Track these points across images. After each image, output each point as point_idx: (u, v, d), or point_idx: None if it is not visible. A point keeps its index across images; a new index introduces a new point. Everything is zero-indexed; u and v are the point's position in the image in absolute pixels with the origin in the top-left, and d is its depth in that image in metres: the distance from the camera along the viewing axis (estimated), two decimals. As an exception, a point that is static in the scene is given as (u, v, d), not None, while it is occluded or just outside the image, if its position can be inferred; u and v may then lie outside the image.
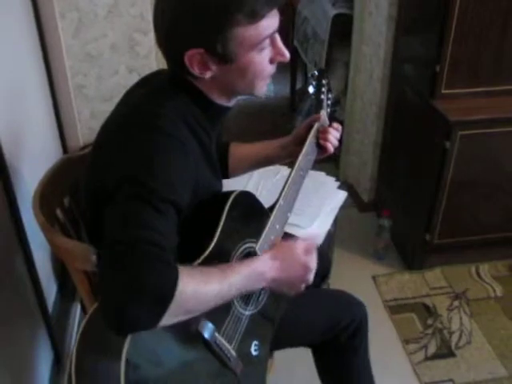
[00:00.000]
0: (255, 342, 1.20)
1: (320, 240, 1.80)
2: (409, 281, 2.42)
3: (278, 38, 1.10)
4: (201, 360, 1.05)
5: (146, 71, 1.25)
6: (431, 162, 2.23)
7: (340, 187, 2.06)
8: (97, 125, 1.15)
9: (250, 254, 1.18)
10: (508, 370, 2.01)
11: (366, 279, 2.43)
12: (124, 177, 0.97)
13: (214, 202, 1.15)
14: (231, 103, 1.19)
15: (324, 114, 1.43)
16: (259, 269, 1.08)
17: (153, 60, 2.17)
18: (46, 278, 1.76)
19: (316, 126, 1.39)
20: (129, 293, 0.85)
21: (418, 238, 2.40)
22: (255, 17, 1.01)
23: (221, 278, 0.98)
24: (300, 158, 1.31)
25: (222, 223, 1.10)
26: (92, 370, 0.98)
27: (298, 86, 3.92)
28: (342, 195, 2.00)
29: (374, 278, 2.44)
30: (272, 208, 1.22)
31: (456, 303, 2.30)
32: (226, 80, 1.09)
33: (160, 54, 1.15)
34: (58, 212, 1.36)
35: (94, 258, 1.11)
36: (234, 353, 1.11)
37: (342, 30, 2.89)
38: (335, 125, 1.42)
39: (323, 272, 1.71)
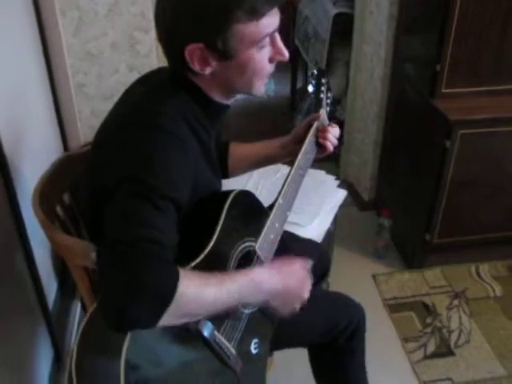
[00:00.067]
0: (255, 341, 1.20)
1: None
2: (409, 280, 2.42)
3: (278, 37, 1.10)
4: (200, 359, 1.05)
5: (147, 70, 1.25)
6: (431, 162, 2.23)
7: (340, 186, 2.07)
8: (97, 123, 1.15)
9: (250, 253, 1.19)
10: (507, 369, 2.01)
11: (365, 278, 2.43)
12: (124, 175, 0.97)
13: (214, 200, 1.15)
14: (230, 101, 1.19)
15: (323, 112, 1.44)
16: (257, 278, 1.05)
17: (153, 58, 2.18)
18: (47, 276, 1.77)
19: (315, 124, 1.39)
20: (129, 292, 0.85)
21: (418, 238, 2.40)
22: (255, 14, 1.01)
23: (219, 284, 0.97)
24: (299, 156, 1.32)
25: (221, 222, 1.11)
26: (92, 369, 0.98)
27: (299, 85, 3.92)
28: (342, 194, 2.01)
29: (373, 276, 2.44)
30: (271, 207, 1.22)
31: (455, 302, 2.30)
32: (226, 77, 1.09)
33: (161, 53, 1.15)
34: (58, 209, 1.36)
35: (93, 254, 1.11)
36: (233, 351, 1.11)
37: (343, 29, 2.89)
38: (334, 124, 1.42)
39: (322, 270, 1.71)
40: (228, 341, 1.10)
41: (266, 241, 1.18)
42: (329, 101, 1.50)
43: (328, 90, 1.50)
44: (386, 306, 2.28)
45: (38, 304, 1.63)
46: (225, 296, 0.97)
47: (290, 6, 3.57)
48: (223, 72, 1.08)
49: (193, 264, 1.03)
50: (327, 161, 2.99)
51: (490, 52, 2.07)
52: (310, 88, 1.47)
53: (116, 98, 1.18)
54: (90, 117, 2.23)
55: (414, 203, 2.44)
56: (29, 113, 1.77)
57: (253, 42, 1.04)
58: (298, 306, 1.16)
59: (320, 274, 1.70)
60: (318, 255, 1.73)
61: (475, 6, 1.96)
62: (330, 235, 1.93)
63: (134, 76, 1.24)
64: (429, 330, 2.18)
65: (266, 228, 1.18)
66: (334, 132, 1.40)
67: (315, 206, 1.91)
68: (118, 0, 2.03)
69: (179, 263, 0.96)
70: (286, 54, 1.12)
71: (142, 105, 1.07)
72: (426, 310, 2.27)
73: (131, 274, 0.86)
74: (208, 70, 1.07)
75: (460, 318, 2.23)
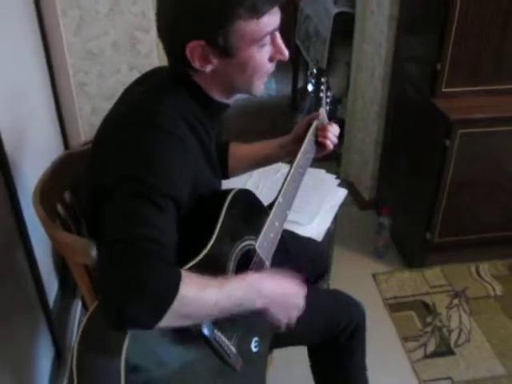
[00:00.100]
0: (255, 339, 1.20)
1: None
2: (409, 279, 2.42)
3: (278, 36, 1.11)
4: (201, 357, 1.05)
5: (147, 69, 1.26)
6: (431, 161, 2.23)
7: (340, 185, 2.07)
8: (98, 122, 1.16)
9: (250, 252, 1.19)
10: (507, 368, 2.02)
11: (366, 277, 2.44)
12: (123, 174, 0.97)
13: (213, 199, 1.15)
14: (230, 100, 1.19)
15: (323, 111, 1.44)
16: (256, 282, 1.05)
17: (154, 58, 2.18)
18: (47, 274, 1.77)
19: (315, 123, 1.39)
20: (128, 291, 0.85)
21: (418, 237, 2.41)
22: (256, 12, 1.01)
23: (219, 287, 0.97)
24: (299, 155, 1.32)
25: (220, 221, 1.11)
26: (92, 368, 0.99)
27: (300, 84, 3.92)
28: (342, 193, 2.01)
29: (374, 276, 2.44)
30: (271, 206, 1.22)
31: (455, 301, 2.30)
32: (226, 75, 1.09)
33: (161, 53, 1.15)
34: (59, 207, 1.36)
35: (94, 252, 1.11)
36: (233, 349, 1.11)
37: (344, 28, 2.89)
38: (334, 123, 1.43)
39: (322, 269, 1.72)
40: (228, 339, 1.10)
41: (265, 239, 1.19)
42: (328, 100, 1.51)
43: (327, 88, 1.51)
44: (386, 306, 2.29)
45: (38, 302, 1.64)
46: (225, 299, 0.97)
47: (290, 5, 3.57)
48: (224, 70, 1.08)
49: (193, 263, 1.03)
50: (328, 160, 3.01)
51: (490, 52, 2.07)
52: (310, 87, 1.47)
53: (117, 98, 1.19)
54: (90, 115, 2.23)
55: (415, 202, 2.44)
56: (30, 111, 1.78)
57: (253, 40, 1.05)
58: (295, 315, 1.15)
59: (320, 272, 1.71)
60: (318, 254, 1.74)
61: (475, 6, 1.96)
62: (330, 234, 1.93)
63: (135, 75, 1.24)
64: (429, 329, 2.18)
65: (265, 227, 1.19)
66: (333, 130, 1.40)
67: (315, 204, 1.91)
68: (119, -1, 2.04)
69: (179, 262, 0.97)
70: (286, 53, 1.12)
71: (141, 104, 1.07)
72: (426, 309, 2.27)
73: (130, 272, 0.86)
74: (209, 68, 1.07)
75: (460, 317, 2.23)
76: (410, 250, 2.51)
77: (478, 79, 2.13)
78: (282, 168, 2.00)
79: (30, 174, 1.53)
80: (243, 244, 1.18)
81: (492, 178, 2.28)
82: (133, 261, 0.86)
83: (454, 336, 2.14)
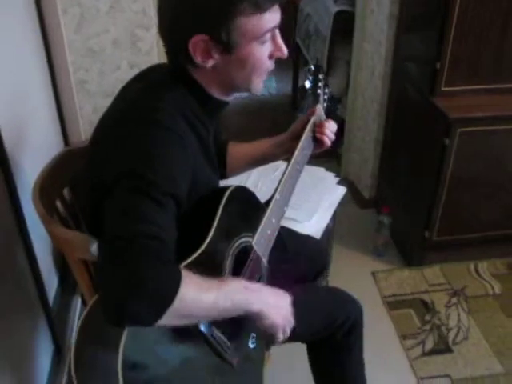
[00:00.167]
0: (252, 335, 1.21)
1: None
2: (408, 277, 2.43)
3: (278, 34, 1.12)
4: (199, 354, 1.05)
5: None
6: (431, 159, 2.24)
7: (339, 183, 2.08)
8: (98, 119, 1.16)
9: (247, 249, 1.20)
10: (504, 366, 2.02)
11: (365, 275, 2.44)
12: (122, 171, 0.97)
13: (210, 196, 1.15)
14: (229, 98, 1.19)
15: (320, 108, 1.44)
16: (253, 287, 1.07)
17: (154, 56, 2.18)
18: (47, 271, 1.78)
19: (312, 120, 1.40)
20: (128, 288, 0.85)
21: (418, 235, 2.41)
22: (258, 9, 1.02)
23: (218, 288, 0.98)
24: (296, 152, 1.32)
25: (217, 218, 1.11)
26: (91, 362, 0.99)
27: (301, 83, 3.92)
28: (341, 191, 2.01)
29: (373, 274, 2.45)
30: (268, 202, 1.23)
31: (454, 300, 2.31)
32: (226, 72, 1.10)
33: (162, 50, 1.15)
34: (58, 204, 1.37)
35: (93, 248, 1.11)
36: (230, 345, 1.11)
37: (344, 27, 2.89)
38: (331, 119, 1.43)
39: (321, 267, 1.72)
40: (225, 335, 1.11)
41: (262, 236, 1.19)
42: (326, 96, 1.51)
43: (325, 85, 1.51)
44: (385, 303, 2.29)
45: (38, 299, 1.64)
46: (223, 299, 0.97)
47: (291, 4, 3.58)
48: (224, 66, 1.09)
49: (189, 260, 1.03)
50: (329, 159, 3.03)
51: (489, 52, 2.07)
52: (308, 84, 1.48)
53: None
54: (91, 113, 2.24)
55: (414, 201, 2.45)
56: (30, 109, 1.78)
57: (255, 37, 1.06)
58: (289, 325, 1.16)
59: (319, 270, 1.71)
60: (317, 252, 1.75)
61: (475, 5, 1.96)
62: (328, 232, 1.94)
63: (135, 73, 1.25)
64: (427, 327, 2.18)
65: (262, 223, 1.19)
66: (330, 127, 1.41)
67: (314, 202, 1.91)
68: (120, -3, 2.05)
69: (176, 259, 0.97)
70: (285, 50, 1.13)
71: (139, 101, 1.07)
72: (425, 308, 2.27)
73: (130, 269, 0.86)
74: (210, 63, 1.07)
75: (459, 315, 2.24)
76: (410, 249, 2.52)
77: (477, 78, 2.13)
78: (280, 166, 2.01)
79: (29, 171, 1.54)
80: (240, 241, 1.18)
81: (492, 177, 2.28)
82: (133, 257, 0.87)
83: (452, 334, 2.15)
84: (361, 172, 2.95)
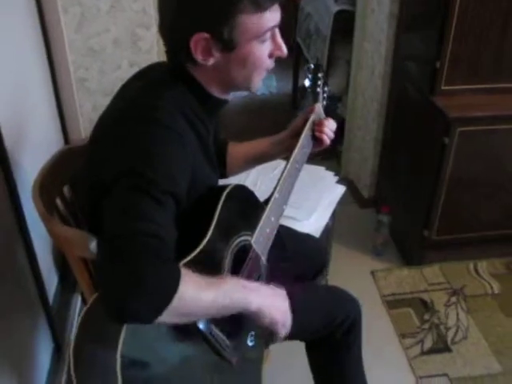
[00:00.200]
0: (251, 333, 1.21)
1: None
2: (407, 276, 2.43)
3: (278, 33, 1.12)
4: (198, 353, 1.06)
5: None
6: (431, 159, 2.24)
7: (339, 182, 2.08)
8: (98, 118, 1.17)
9: (245, 247, 1.20)
10: (503, 366, 2.02)
11: (364, 274, 2.45)
12: (122, 169, 0.97)
13: (209, 195, 1.15)
14: (228, 97, 1.20)
15: (319, 106, 1.45)
16: (251, 286, 1.07)
17: (155, 55, 2.19)
18: (47, 270, 1.78)
19: (311, 118, 1.40)
20: (128, 286, 0.85)
21: (417, 234, 2.41)
22: (259, 7, 1.03)
23: (217, 286, 0.98)
24: (296, 150, 1.33)
25: (216, 216, 1.11)
26: (89, 359, 1.00)
27: (301, 82, 3.92)
28: (341, 189, 2.02)
29: (372, 273, 2.45)
30: (267, 201, 1.23)
31: (453, 299, 2.31)
32: (226, 70, 1.10)
33: (162, 49, 1.15)
34: (58, 201, 1.37)
35: (93, 245, 1.11)
36: (229, 343, 1.12)
37: (344, 26, 2.90)
38: (330, 118, 1.44)
39: (320, 265, 1.72)
40: (223, 333, 1.11)
41: (261, 235, 1.20)
42: (325, 95, 1.51)
43: (325, 84, 1.51)
44: (385, 302, 2.30)
45: (38, 297, 1.65)
46: (222, 297, 0.98)
47: (291, 4, 3.58)
48: (224, 65, 1.09)
49: (188, 258, 1.04)
50: (329, 158, 3.03)
51: (489, 52, 2.07)
52: (307, 82, 1.48)
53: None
54: (91, 111, 2.24)
55: (414, 200, 2.45)
56: (30, 107, 1.79)
57: (255, 35, 1.06)
58: (288, 321, 1.16)
59: (318, 268, 1.71)
60: (316, 250, 1.75)
61: (475, 5, 1.96)
62: (327, 230, 1.94)
63: (135, 71, 1.25)
64: (426, 326, 2.19)
65: (261, 222, 1.20)
66: (330, 125, 1.41)
67: (313, 201, 1.92)
68: (120, -4, 2.05)
69: (175, 257, 0.97)
70: (285, 49, 1.14)
71: (139, 99, 1.07)
72: (424, 307, 2.28)
73: (130, 268, 0.86)
74: (210, 61, 1.08)
75: (458, 314, 2.24)
76: (409, 248, 2.52)
77: (477, 78, 2.14)
78: (279, 165, 2.01)
79: (29, 169, 1.54)
80: (239, 239, 1.18)
81: (491, 177, 2.28)
82: (132, 256, 0.87)
83: (451, 333, 2.15)
84: (360, 171, 2.96)
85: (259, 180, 1.98)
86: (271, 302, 1.10)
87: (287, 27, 3.33)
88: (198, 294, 0.94)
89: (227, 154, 1.49)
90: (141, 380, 0.95)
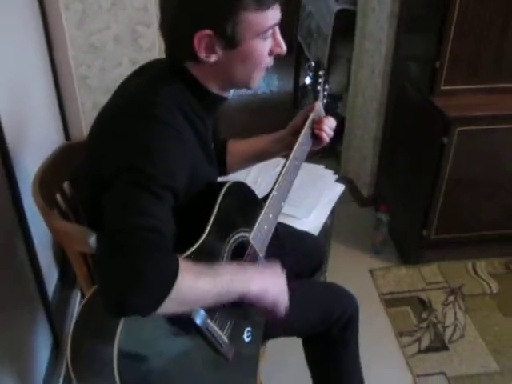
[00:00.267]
0: (248, 329, 1.22)
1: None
2: (405, 275, 2.44)
3: (278, 31, 1.13)
4: (194, 348, 1.06)
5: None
6: (430, 158, 2.25)
7: (338, 180, 2.09)
8: (99, 115, 1.17)
9: (244, 243, 1.21)
10: (500, 365, 2.03)
11: (363, 272, 2.45)
12: (122, 165, 0.98)
13: (208, 191, 1.16)
14: (226, 94, 1.20)
15: (320, 104, 1.45)
16: (247, 267, 1.09)
17: (156, 53, 2.19)
18: (47, 266, 1.79)
19: (311, 116, 1.41)
20: (128, 281, 0.86)
21: (416, 233, 2.42)
22: (261, 5, 1.04)
23: (214, 274, 0.99)
24: (295, 147, 1.34)
25: (214, 212, 1.12)
26: (87, 353, 1.01)
27: (302, 81, 3.93)
28: (340, 188, 2.03)
29: (371, 271, 2.46)
30: (265, 198, 1.24)
31: (451, 298, 2.32)
32: (227, 67, 1.11)
33: (163, 47, 1.16)
34: (58, 197, 1.38)
35: (92, 240, 1.12)
36: (226, 339, 1.12)
37: (345, 25, 2.90)
38: (330, 116, 1.44)
39: (318, 263, 1.73)
40: (221, 329, 1.11)
41: (259, 231, 1.21)
42: (326, 93, 1.52)
43: (325, 81, 1.52)
44: (383, 301, 2.30)
45: (37, 293, 1.65)
46: (219, 284, 0.99)
47: (293, 2, 3.58)
48: (226, 62, 1.10)
49: (186, 253, 1.04)
50: (328, 157, 3.03)
51: (489, 52, 2.08)
52: (308, 80, 1.48)
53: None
54: (91, 109, 2.25)
55: (413, 199, 2.46)
56: (32, 104, 1.79)
57: (258, 32, 1.07)
58: (285, 302, 1.17)
59: (316, 266, 1.72)
60: (315, 248, 1.76)
61: (475, 5, 1.97)
62: (326, 228, 1.95)
63: (135, 68, 1.26)
64: (424, 324, 2.20)
65: (260, 218, 1.20)
66: (329, 123, 1.42)
67: (312, 199, 1.93)
68: (121, -6, 2.06)
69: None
70: (285, 47, 1.15)
71: (137, 96, 1.08)
72: (422, 306, 2.29)
73: (130, 263, 0.87)
74: (213, 58, 1.08)
75: (455, 313, 2.25)
76: (407, 247, 2.53)
77: (477, 78, 2.14)
78: (280, 163, 2.01)
79: (31, 166, 1.54)
80: (237, 235, 1.19)
81: (490, 177, 2.29)
82: (132, 250, 0.88)
83: (448, 332, 2.16)
84: (360, 170, 2.96)
85: (260, 177, 1.99)
86: (271, 283, 1.12)
87: (289, 26, 3.34)
88: (196, 283, 0.95)
89: (227, 152, 1.50)
90: (138, 374, 0.96)
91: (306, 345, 1.55)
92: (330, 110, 1.53)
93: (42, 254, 1.68)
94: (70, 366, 1.01)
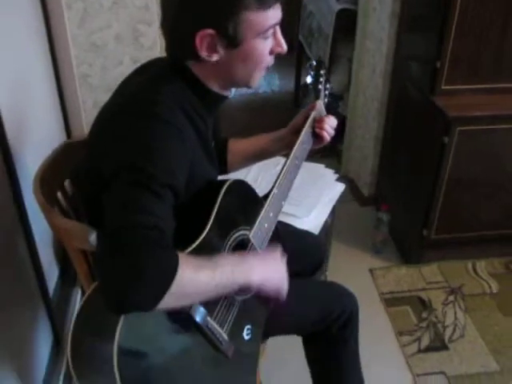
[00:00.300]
0: (247, 327, 1.22)
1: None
2: (405, 275, 2.44)
3: (279, 30, 1.14)
4: (194, 345, 1.07)
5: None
6: (430, 158, 2.25)
7: (338, 179, 2.09)
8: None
9: (244, 241, 1.21)
10: (500, 364, 2.03)
11: (363, 272, 2.46)
12: (122, 164, 0.99)
13: (209, 189, 1.17)
14: (227, 93, 1.21)
15: (321, 103, 1.46)
16: (247, 258, 1.10)
17: (157, 51, 2.20)
18: (48, 263, 1.79)
19: (312, 115, 1.41)
20: (129, 280, 0.87)
21: (416, 233, 2.42)
22: (263, 4, 1.05)
23: (213, 266, 1.00)
24: (296, 146, 1.34)
25: (215, 210, 1.13)
26: (87, 349, 1.01)
27: (303, 81, 3.93)
28: (340, 187, 2.03)
29: (371, 271, 2.46)
30: (266, 197, 1.25)
31: (451, 298, 2.32)
32: (228, 66, 1.11)
33: (164, 46, 1.17)
34: (59, 195, 1.39)
35: (92, 237, 1.13)
36: (225, 336, 1.13)
37: (346, 25, 2.90)
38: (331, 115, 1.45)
39: (318, 261, 1.74)
40: (220, 326, 1.12)
41: (260, 229, 1.21)
42: (327, 92, 1.52)
43: (327, 81, 1.52)
44: (383, 300, 2.31)
45: (38, 290, 1.66)
46: (218, 277, 0.99)
47: (294, 2, 3.59)
48: (227, 61, 1.10)
49: (187, 251, 1.05)
50: (329, 157, 3.03)
51: (490, 52, 2.08)
52: (309, 79, 1.49)
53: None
54: (93, 108, 2.25)
55: (413, 199, 2.46)
56: (33, 102, 1.80)
57: (259, 32, 1.08)
58: (285, 286, 1.18)
59: (316, 265, 1.73)
60: (315, 246, 1.76)
61: (475, 5, 1.97)
62: (327, 227, 1.95)
63: (136, 67, 1.26)
64: (424, 324, 2.20)
65: (260, 217, 1.21)
66: (330, 122, 1.42)
67: (313, 198, 1.93)
68: (123, -8, 2.06)
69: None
70: (285, 46, 1.15)
71: (138, 94, 1.08)
72: (422, 305, 2.29)
73: (131, 262, 0.87)
74: (214, 58, 1.09)
75: (455, 313, 2.25)
76: (408, 246, 2.53)
77: (477, 77, 2.14)
78: (281, 162, 2.01)
79: (32, 164, 1.55)
80: (238, 233, 1.20)
81: (490, 177, 2.29)
82: (133, 249, 0.88)
83: (448, 332, 2.16)
84: (360, 169, 2.97)
85: (260, 176, 1.99)
86: (272, 271, 1.13)
87: (290, 25, 3.34)
88: (196, 277, 0.96)
89: (228, 151, 1.50)
90: (138, 371, 0.96)
91: (305, 343, 1.55)
92: (331, 110, 1.53)
93: (43, 251, 1.68)
94: (70, 363, 1.01)
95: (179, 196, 1.02)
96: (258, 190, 1.30)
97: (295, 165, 1.34)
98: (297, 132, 1.40)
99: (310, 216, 1.86)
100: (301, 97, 3.87)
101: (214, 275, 0.99)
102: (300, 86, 3.90)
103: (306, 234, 1.75)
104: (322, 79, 1.51)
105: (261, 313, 1.28)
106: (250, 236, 1.19)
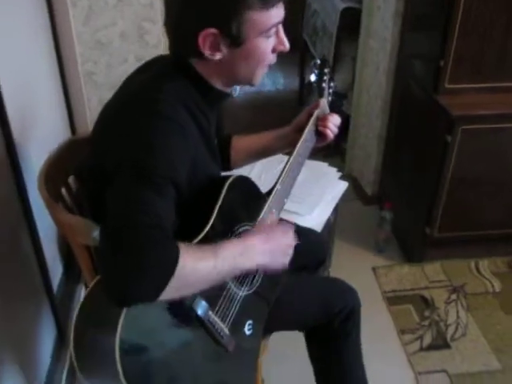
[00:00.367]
0: (249, 322, 1.23)
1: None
2: (408, 273, 2.45)
3: (281, 29, 1.15)
4: (195, 339, 1.08)
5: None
6: (433, 156, 2.25)
7: (342, 178, 2.10)
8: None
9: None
10: (502, 363, 2.03)
11: (366, 270, 2.46)
12: (124, 161, 1.00)
13: (212, 185, 1.17)
14: (230, 90, 1.22)
15: (324, 101, 1.46)
16: (248, 241, 1.10)
17: (162, 49, 2.20)
18: (52, 259, 1.80)
19: (316, 113, 1.41)
20: (131, 274, 0.88)
21: (419, 232, 2.42)
22: (266, 3, 1.06)
23: (214, 253, 1.01)
24: (299, 144, 1.35)
25: (218, 206, 1.14)
26: (90, 342, 1.02)
27: (307, 79, 3.93)
28: (343, 185, 2.03)
29: (373, 269, 2.47)
30: (269, 193, 1.25)
31: (454, 297, 2.32)
32: (231, 64, 1.12)
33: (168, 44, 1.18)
34: (63, 191, 1.40)
35: (95, 233, 1.14)
36: (226, 331, 1.14)
37: (351, 23, 2.91)
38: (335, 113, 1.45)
39: (321, 257, 1.74)
40: (222, 321, 1.13)
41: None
42: (331, 90, 1.52)
43: (330, 79, 1.52)
44: (385, 299, 2.31)
45: (42, 286, 1.67)
46: (220, 264, 1.00)
47: (298, 1, 3.59)
48: (230, 59, 1.11)
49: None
50: (333, 155, 3.04)
51: (493, 51, 2.08)
52: (313, 77, 1.49)
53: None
54: (97, 105, 2.26)
55: (416, 197, 2.46)
56: (38, 99, 1.81)
57: (262, 31, 1.09)
58: (287, 261, 1.19)
59: (318, 262, 1.73)
60: (318, 244, 1.77)
61: (479, 4, 1.97)
62: (329, 225, 1.96)
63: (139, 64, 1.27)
64: (426, 322, 2.20)
65: (263, 213, 1.21)
66: (334, 120, 1.43)
67: (316, 196, 1.94)
68: (128, -10, 2.07)
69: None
70: (287, 44, 1.16)
71: (141, 93, 1.09)
72: (425, 304, 2.29)
73: (133, 260, 0.89)
74: (217, 56, 1.10)
75: (457, 312, 2.25)
76: (411, 245, 2.53)
77: (481, 76, 2.14)
78: (284, 159, 2.02)
79: (36, 161, 1.56)
80: (240, 229, 1.21)
81: (494, 175, 2.29)
82: (135, 249, 0.89)
83: (450, 330, 2.17)
84: (364, 168, 2.97)
85: (263, 173, 2.00)
86: (275, 246, 1.14)
87: (294, 24, 3.34)
88: (197, 266, 0.97)
89: (231, 148, 1.51)
90: (140, 363, 0.97)
91: (307, 338, 1.56)
92: (334, 108, 1.54)
93: (47, 247, 1.69)
94: (73, 355, 1.02)
95: (181, 191, 1.03)
96: (261, 187, 1.31)
97: (298, 162, 1.35)
98: (300, 130, 1.40)
99: (312, 214, 1.87)
100: (305, 95, 3.88)
101: (216, 263, 1.00)
102: (304, 85, 3.91)
103: (308, 231, 1.75)
104: (325, 78, 1.52)
105: (262, 308, 1.29)
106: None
